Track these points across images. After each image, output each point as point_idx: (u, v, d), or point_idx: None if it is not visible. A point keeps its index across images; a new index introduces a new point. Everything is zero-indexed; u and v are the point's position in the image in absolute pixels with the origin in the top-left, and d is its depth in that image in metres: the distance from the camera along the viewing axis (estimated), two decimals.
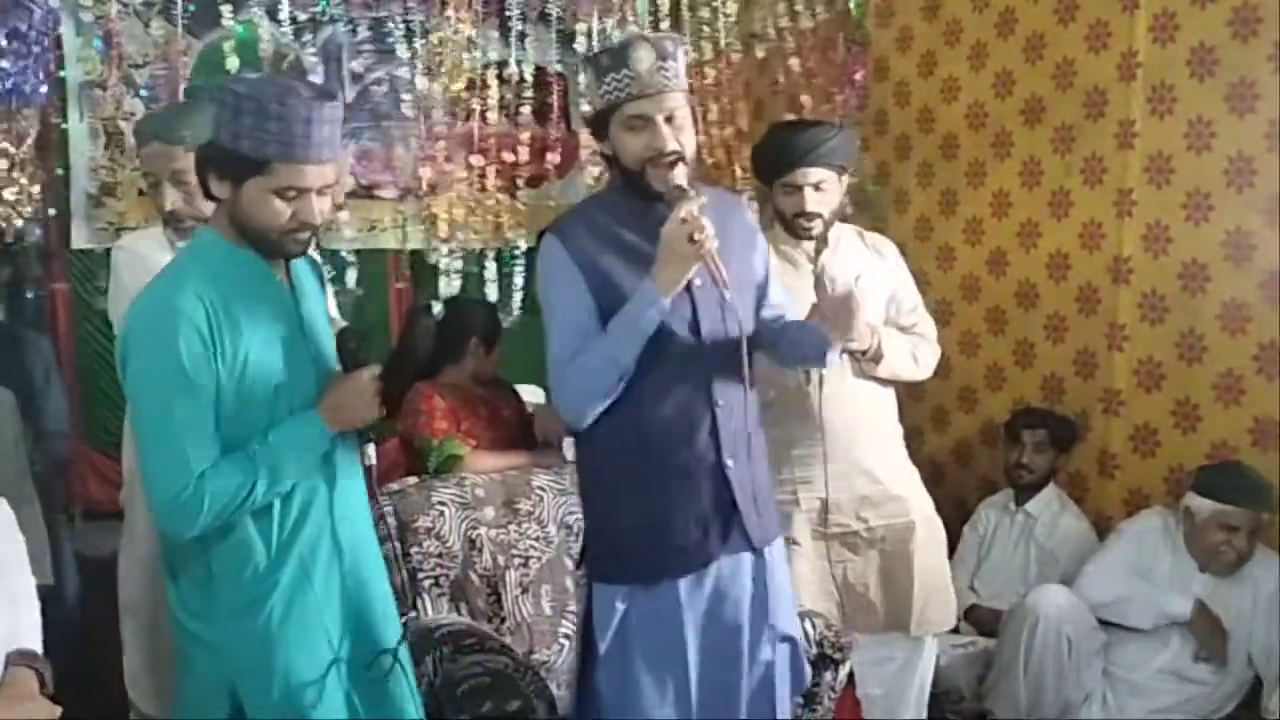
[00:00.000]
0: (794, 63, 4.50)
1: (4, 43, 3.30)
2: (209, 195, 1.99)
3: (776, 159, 2.98)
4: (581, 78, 4.55)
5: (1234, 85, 3.22)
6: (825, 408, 2.93)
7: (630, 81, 2.11)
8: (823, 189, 2.95)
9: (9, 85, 3.38)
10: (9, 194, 3.44)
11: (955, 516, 3.79)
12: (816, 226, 2.96)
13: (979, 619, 3.60)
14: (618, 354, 2.11)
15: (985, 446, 3.98)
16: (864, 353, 2.99)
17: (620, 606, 2.20)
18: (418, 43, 4.51)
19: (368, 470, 2.09)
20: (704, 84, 4.63)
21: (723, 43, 4.54)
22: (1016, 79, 3.81)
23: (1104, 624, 3.23)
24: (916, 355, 3.10)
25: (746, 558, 2.25)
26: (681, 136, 2.15)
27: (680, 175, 2.13)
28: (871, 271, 3.08)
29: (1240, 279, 3.26)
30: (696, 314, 2.18)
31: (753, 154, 3.20)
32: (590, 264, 2.16)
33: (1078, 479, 3.68)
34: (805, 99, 4.49)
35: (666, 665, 2.20)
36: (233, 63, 4.16)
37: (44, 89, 3.68)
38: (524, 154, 4.67)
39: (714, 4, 4.43)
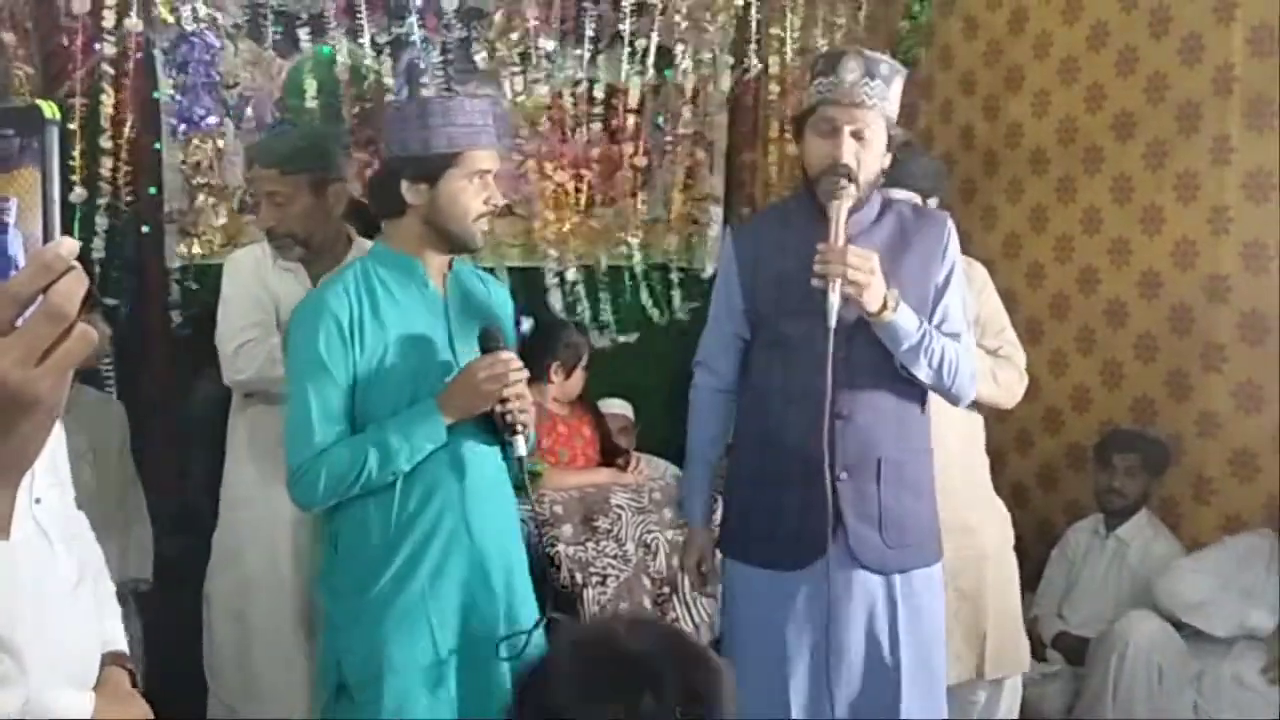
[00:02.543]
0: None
1: (176, 75, 3.43)
2: (395, 207, 2.20)
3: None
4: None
5: None
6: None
7: (833, 87, 2.20)
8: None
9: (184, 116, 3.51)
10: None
11: (1040, 540, 3.72)
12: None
13: (1067, 646, 3.50)
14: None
15: (1071, 469, 3.88)
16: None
17: (740, 584, 2.38)
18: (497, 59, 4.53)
19: (518, 461, 2.19)
20: (769, 98, 4.60)
21: (789, 59, 4.50)
22: (1107, 93, 3.73)
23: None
24: (998, 376, 3.04)
25: (870, 579, 2.26)
26: (864, 155, 2.21)
27: (849, 193, 2.18)
28: None
29: None
30: (831, 321, 2.17)
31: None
32: (751, 265, 2.34)
33: (1171, 504, 3.57)
34: None
35: (769, 655, 2.29)
36: (312, 85, 4.22)
37: (214, 119, 3.78)
38: (606, 172, 4.66)
39: (786, 22, 4.39)
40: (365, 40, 4.30)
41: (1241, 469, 3.38)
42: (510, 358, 2.16)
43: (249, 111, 4.07)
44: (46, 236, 0.81)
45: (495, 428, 2.18)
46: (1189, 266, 3.51)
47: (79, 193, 3.46)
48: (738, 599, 2.40)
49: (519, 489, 3.07)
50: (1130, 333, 3.70)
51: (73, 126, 3.43)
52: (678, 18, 4.21)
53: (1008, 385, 3.07)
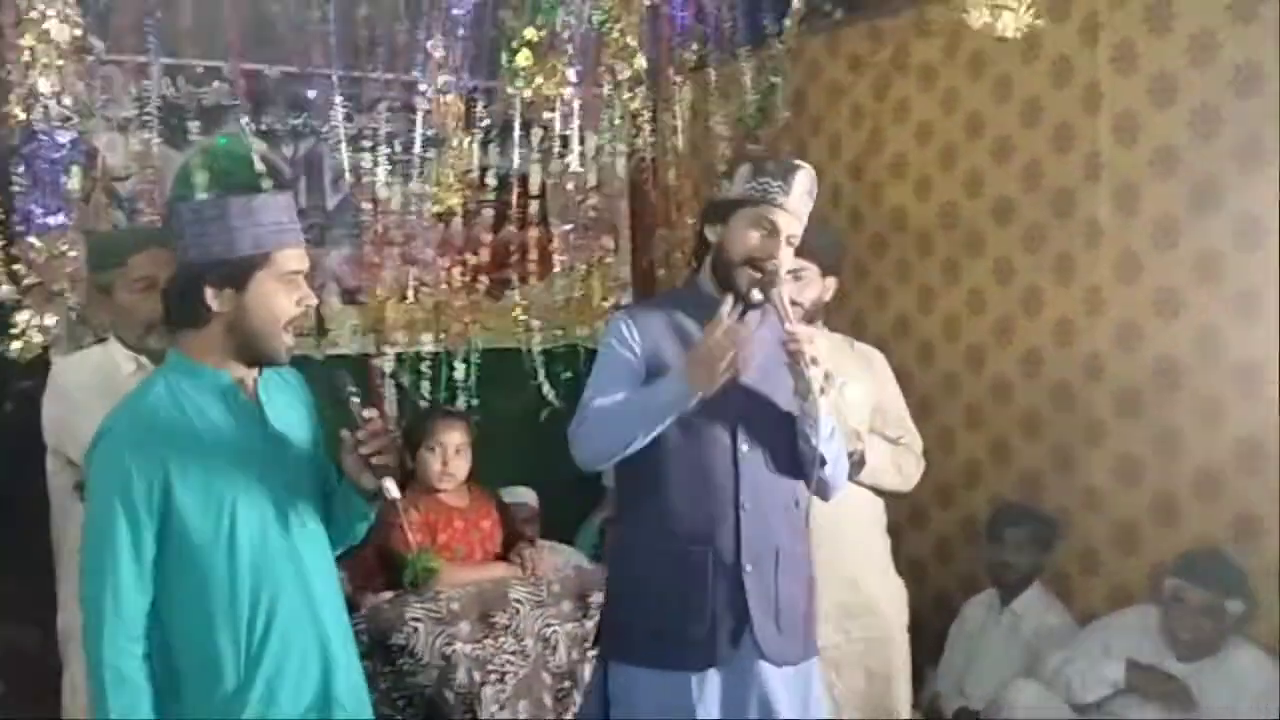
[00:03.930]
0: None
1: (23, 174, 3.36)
2: (197, 315, 2.05)
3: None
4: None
5: (1196, 184, 3.27)
6: (811, 511, 2.92)
7: (782, 193, 2.28)
8: (801, 279, 3.00)
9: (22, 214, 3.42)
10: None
11: (939, 614, 3.77)
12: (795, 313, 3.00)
13: None
14: (629, 427, 2.23)
15: (966, 543, 3.96)
16: (850, 455, 3.00)
17: (636, 687, 2.28)
18: (395, 150, 4.55)
19: (390, 504, 2.09)
20: (669, 183, 4.68)
21: (680, 145, 4.60)
22: (985, 179, 3.87)
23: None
24: (901, 466, 3.13)
25: (771, 671, 2.27)
26: (788, 257, 2.34)
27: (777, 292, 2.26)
28: (858, 378, 3.11)
29: (1212, 373, 3.27)
30: (734, 414, 2.26)
31: None
32: (651, 341, 2.32)
33: (1062, 577, 3.65)
34: None
35: None
36: (203, 176, 4.21)
37: (62, 218, 3.68)
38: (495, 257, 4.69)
39: (678, 111, 4.51)
40: (253, 130, 4.31)
41: (1124, 541, 3.48)
42: (374, 416, 2.09)
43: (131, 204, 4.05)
44: None
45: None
46: (1068, 344, 3.63)
47: None
48: (634, 705, 2.30)
49: (414, 585, 3.06)
50: (1015, 409, 3.81)
51: None
52: (568, 107, 4.27)
53: (908, 474, 3.16)
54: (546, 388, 4.54)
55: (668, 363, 2.29)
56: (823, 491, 2.35)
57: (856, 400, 3.11)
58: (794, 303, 3.02)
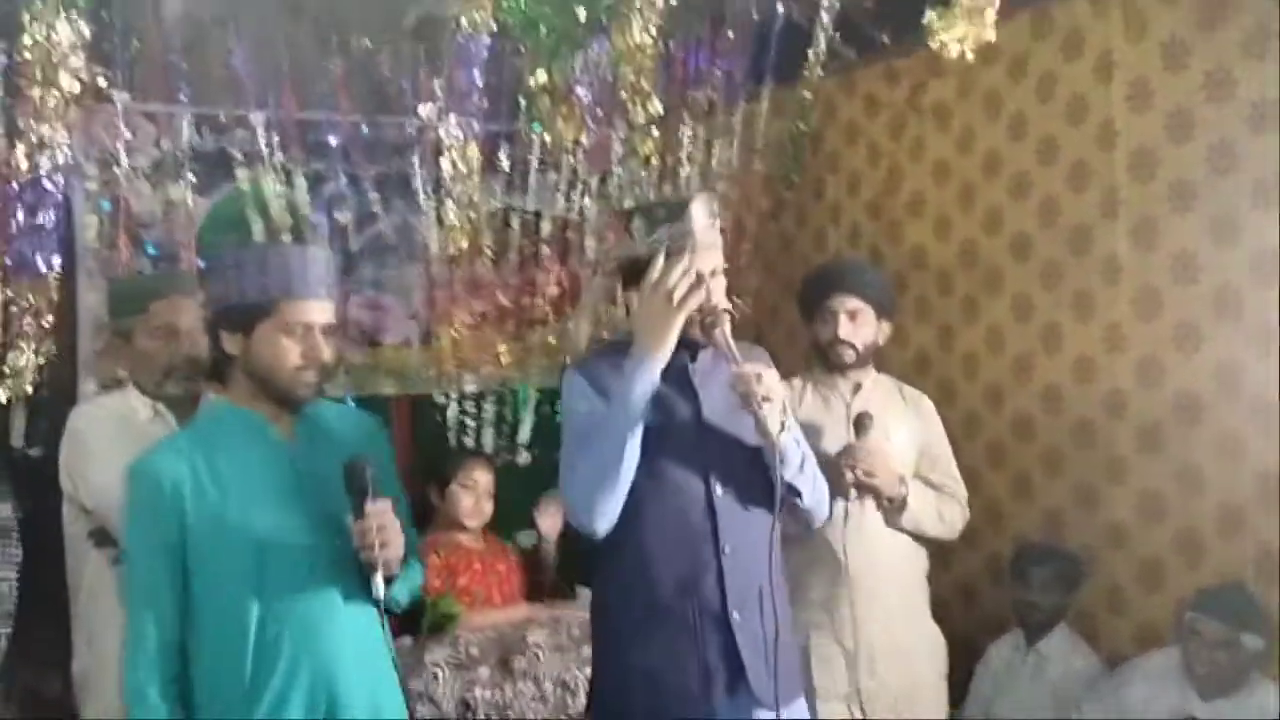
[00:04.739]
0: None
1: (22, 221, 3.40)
2: (222, 355, 2.16)
3: (814, 288, 3.13)
4: (591, 223, 4.63)
5: (1214, 219, 3.26)
6: (850, 551, 2.92)
7: (685, 235, 2.19)
8: (857, 319, 3.01)
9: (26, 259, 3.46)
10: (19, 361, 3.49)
11: (965, 657, 3.73)
12: (848, 355, 3.03)
13: None
14: (612, 432, 2.14)
15: (991, 584, 3.93)
16: (890, 500, 3.00)
17: None
18: (421, 194, 4.60)
19: (376, 604, 2.07)
20: None
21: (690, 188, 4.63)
22: (1004, 217, 3.87)
23: None
24: (943, 513, 3.13)
25: (766, 716, 2.21)
26: (718, 292, 2.25)
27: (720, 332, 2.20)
28: (905, 423, 3.12)
29: (1233, 408, 3.24)
30: (704, 456, 2.22)
31: (799, 293, 3.27)
32: (606, 394, 2.22)
33: (1087, 616, 3.61)
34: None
35: None
36: (227, 225, 4.26)
37: (56, 259, 3.72)
38: (523, 298, 4.73)
39: (689, 154, 4.55)
40: (279, 175, 4.37)
41: (1149, 578, 3.45)
42: (381, 510, 2.05)
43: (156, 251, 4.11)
44: None
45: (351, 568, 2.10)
46: (1088, 381, 3.61)
47: None
48: None
49: (434, 630, 3.07)
50: (1037, 447, 3.78)
51: None
52: (584, 149, 4.32)
53: (951, 522, 3.18)
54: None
55: None
56: (808, 521, 2.34)
57: (902, 444, 3.12)
58: (846, 342, 3.04)
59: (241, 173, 4.32)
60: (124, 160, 4.01)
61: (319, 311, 2.13)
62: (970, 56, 3.35)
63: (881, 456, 2.96)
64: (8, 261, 3.36)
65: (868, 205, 4.42)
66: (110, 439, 2.60)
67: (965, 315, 4.03)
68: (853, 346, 3.04)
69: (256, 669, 2.06)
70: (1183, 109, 3.32)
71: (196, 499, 2.05)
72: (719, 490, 2.23)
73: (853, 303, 3.05)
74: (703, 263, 2.20)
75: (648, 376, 2.14)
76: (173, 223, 4.27)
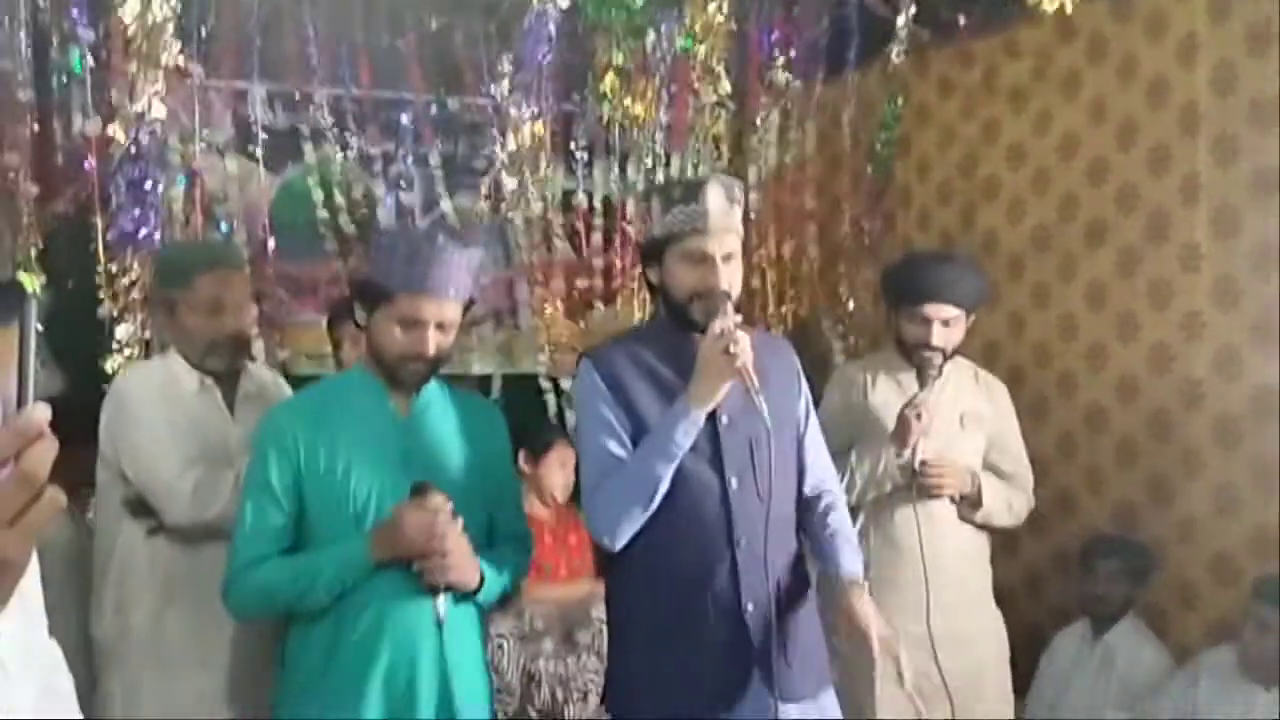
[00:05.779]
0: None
1: (126, 194, 3.45)
2: (357, 325, 2.28)
3: (911, 288, 3.01)
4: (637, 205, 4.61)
5: None
6: (923, 538, 2.89)
7: (699, 217, 2.16)
8: (950, 325, 2.97)
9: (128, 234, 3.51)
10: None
11: (1029, 646, 3.69)
12: (936, 359, 2.98)
13: None
14: (647, 470, 2.12)
15: (1057, 574, 3.88)
16: (963, 497, 2.98)
17: None
18: (488, 175, 4.61)
19: (438, 624, 2.15)
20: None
21: (764, 171, 4.60)
22: (1080, 202, 3.81)
23: None
24: (1012, 504, 3.11)
25: (788, 709, 2.17)
26: (734, 276, 2.20)
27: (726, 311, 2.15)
28: (977, 411, 3.09)
29: None
30: (720, 451, 2.19)
31: (885, 276, 3.24)
32: (622, 390, 2.20)
33: (1157, 610, 3.55)
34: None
35: None
36: (305, 198, 4.29)
37: (157, 235, 3.77)
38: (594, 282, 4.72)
39: (764, 135, 4.51)
40: (353, 153, 4.40)
41: (1222, 574, 3.38)
42: (440, 505, 2.11)
43: (229, 226, 4.15)
44: (20, 401, 0.84)
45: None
46: (1165, 371, 3.55)
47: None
48: None
49: (502, 603, 3.08)
50: (1110, 438, 3.72)
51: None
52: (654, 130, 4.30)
53: (1017, 512, 3.17)
54: None
55: (636, 403, 2.21)
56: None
57: (972, 432, 3.09)
58: (939, 349, 3.00)
59: (310, 149, 4.36)
60: (200, 136, 4.06)
61: (435, 309, 2.16)
62: (1069, 8, 3.25)
63: (949, 463, 2.97)
64: (111, 235, 3.40)
65: (939, 188, 4.37)
66: (154, 406, 2.58)
67: (1036, 302, 3.97)
68: (942, 351, 3.00)
69: (339, 632, 2.13)
70: (1267, 95, 3.25)
71: (310, 455, 2.16)
72: (734, 483, 2.20)
73: (949, 311, 2.99)
74: (715, 245, 2.17)
75: (694, 425, 2.12)
76: (245, 198, 4.32)
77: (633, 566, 2.21)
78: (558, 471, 3.46)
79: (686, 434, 2.11)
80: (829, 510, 2.35)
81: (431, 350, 2.17)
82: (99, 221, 3.45)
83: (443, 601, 2.14)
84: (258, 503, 2.18)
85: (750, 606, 2.17)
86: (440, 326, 2.17)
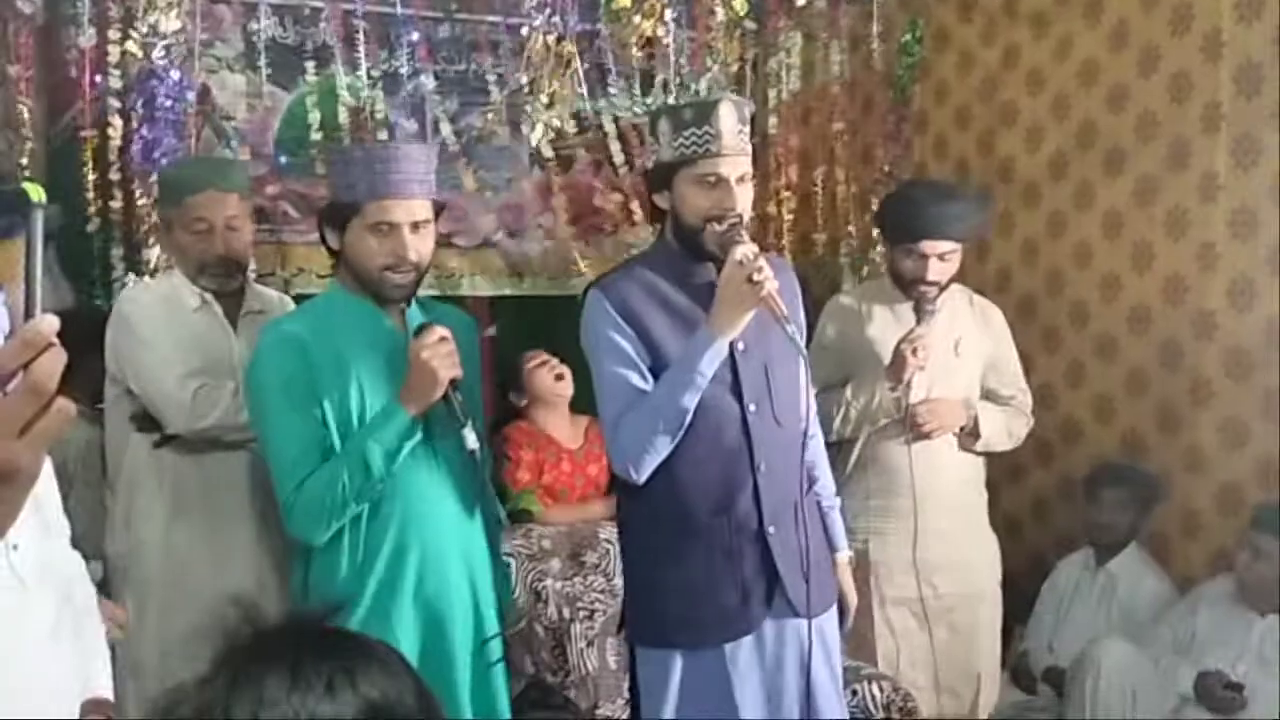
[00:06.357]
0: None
1: (142, 111, 3.42)
2: (330, 251, 2.29)
3: (908, 223, 2.98)
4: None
5: None
6: (915, 467, 2.92)
7: (711, 139, 2.13)
8: (947, 259, 2.95)
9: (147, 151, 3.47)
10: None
11: (1032, 573, 3.72)
12: (932, 293, 2.97)
13: (1056, 680, 3.51)
14: (673, 401, 2.12)
15: (1063, 502, 3.89)
16: (961, 429, 3.00)
17: (667, 671, 2.20)
18: (502, 93, 4.54)
19: (470, 454, 2.18)
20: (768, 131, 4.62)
21: (785, 94, 4.53)
22: (1099, 129, 3.76)
23: None
24: (1011, 429, 3.14)
25: (802, 625, 2.22)
26: (746, 199, 2.18)
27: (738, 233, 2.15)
28: (972, 337, 3.09)
29: None
30: (738, 377, 2.19)
31: (882, 207, 3.21)
32: (635, 319, 2.19)
33: (1161, 539, 3.57)
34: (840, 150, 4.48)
35: None
36: (315, 117, 4.24)
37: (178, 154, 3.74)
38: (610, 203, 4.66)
39: (785, 59, 4.43)
40: (362, 72, 4.33)
41: (1227, 504, 3.39)
42: (446, 333, 2.15)
43: (238, 143, 4.11)
44: (28, 313, 0.84)
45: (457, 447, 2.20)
46: (1178, 302, 3.53)
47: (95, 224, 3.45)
48: (667, 690, 2.20)
49: (513, 518, 3.11)
50: (1120, 367, 3.71)
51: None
52: (679, 57, 4.23)
53: (1017, 435, 3.22)
54: None
55: (651, 331, 2.19)
56: None
57: (969, 358, 3.09)
58: (935, 283, 2.98)
59: (311, 66, 4.29)
60: (206, 50, 4.01)
61: (405, 210, 2.16)
62: None
63: (942, 401, 2.99)
64: (135, 157, 3.37)
65: (957, 114, 4.32)
66: (157, 322, 2.61)
67: (1051, 230, 3.94)
68: (938, 284, 2.98)
69: (366, 549, 2.16)
70: None
71: (322, 370, 2.17)
72: (753, 408, 2.21)
73: (946, 246, 2.96)
74: (729, 168, 2.15)
75: (717, 355, 2.11)
76: (254, 116, 4.28)
77: (651, 490, 2.21)
78: (543, 373, 3.40)
79: (710, 363, 2.10)
80: (813, 461, 2.38)
81: (411, 253, 2.17)
82: (88, 136, 3.42)
83: (470, 431, 2.16)
84: (289, 417, 2.17)
85: (773, 529, 2.21)
86: (415, 228, 2.17)
